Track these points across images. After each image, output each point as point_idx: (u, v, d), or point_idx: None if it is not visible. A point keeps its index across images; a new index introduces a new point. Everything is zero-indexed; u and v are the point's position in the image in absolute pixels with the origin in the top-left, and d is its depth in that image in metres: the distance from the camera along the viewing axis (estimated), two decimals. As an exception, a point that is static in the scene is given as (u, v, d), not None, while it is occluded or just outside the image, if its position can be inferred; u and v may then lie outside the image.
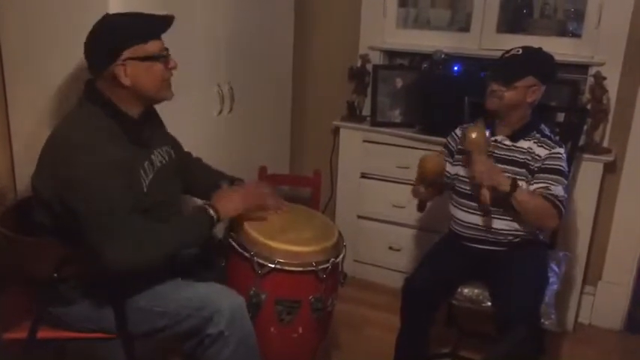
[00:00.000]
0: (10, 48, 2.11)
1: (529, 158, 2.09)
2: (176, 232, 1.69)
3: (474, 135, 2.05)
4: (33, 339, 1.69)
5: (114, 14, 1.71)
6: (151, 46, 1.66)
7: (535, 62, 2.10)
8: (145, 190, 1.69)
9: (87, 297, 1.71)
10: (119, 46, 1.62)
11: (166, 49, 1.71)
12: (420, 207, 2.31)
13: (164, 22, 1.70)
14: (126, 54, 1.62)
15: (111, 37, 1.63)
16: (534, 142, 2.10)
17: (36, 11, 2.02)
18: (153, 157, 1.77)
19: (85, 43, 1.65)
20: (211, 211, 1.74)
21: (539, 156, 2.08)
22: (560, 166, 2.07)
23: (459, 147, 2.24)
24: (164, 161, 1.82)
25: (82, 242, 1.55)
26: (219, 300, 1.69)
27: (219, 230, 1.90)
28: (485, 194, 2.00)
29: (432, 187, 2.22)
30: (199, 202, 2.20)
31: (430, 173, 2.14)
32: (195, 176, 2.04)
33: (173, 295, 1.72)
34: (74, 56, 1.84)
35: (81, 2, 1.93)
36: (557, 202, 2.01)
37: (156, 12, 1.73)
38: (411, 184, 2.31)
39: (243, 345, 1.69)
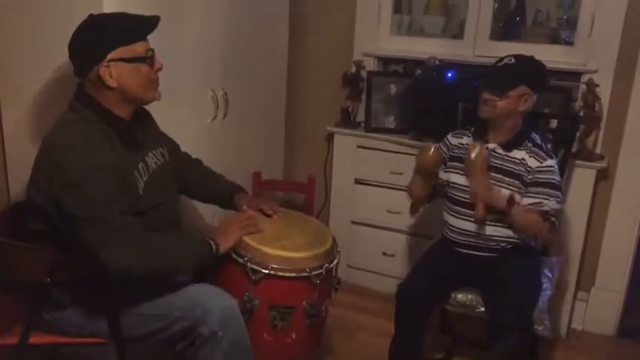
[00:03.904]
0: (2, 49, 2.11)
1: (522, 170, 2.10)
2: (174, 244, 1.68)
3: (472, 155, 2.06)
4: (25, 344, 1.67)
5: (98, 15, 1.69)
6: (137, 48, 1.65)
7: (528, 71, 2.11)
8: (141, 192, 1.68)
9: (79, 302, 1.71)
10: (104, 48, 1.61)
11: (152, 50, 1.69)
12: (413, 210, 2.31)
13: (149, 23, 1.68)
14: (111, 55, 1.61)
15: (95, 38, 1.61)
16: (527, 153, 2.11)
17: (29, 13, 2.01)
18: (147, 158, 1.76)
19: (69, 44, 1.63)
20: (213, 244, 1.73)
21: (531, 167, 2.09)
22: (553, 179, 2.08)
23: (451, 154, 2.25)
24: (159, 163, 1.81)
25: (79, 247, 1.54)
26: (210, 300, 1.69)
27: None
28: (481, 210, 2.03)
29: (428, 179, 2.22)
30: (197, 203, 2.19)
31: (429, 163, 2.16)
32: (193, 179, 2.04)
33: (164, 297, 1.71)
34: (67, 58, 1.84)
35: (75, 3, 1.91)
36: (551, 218, 2.05)
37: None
38: (405, 190, 2.32)
39: (235, 346, 1.68)
